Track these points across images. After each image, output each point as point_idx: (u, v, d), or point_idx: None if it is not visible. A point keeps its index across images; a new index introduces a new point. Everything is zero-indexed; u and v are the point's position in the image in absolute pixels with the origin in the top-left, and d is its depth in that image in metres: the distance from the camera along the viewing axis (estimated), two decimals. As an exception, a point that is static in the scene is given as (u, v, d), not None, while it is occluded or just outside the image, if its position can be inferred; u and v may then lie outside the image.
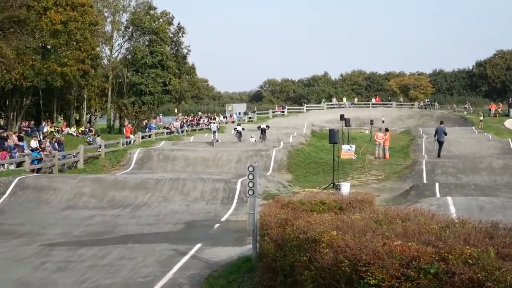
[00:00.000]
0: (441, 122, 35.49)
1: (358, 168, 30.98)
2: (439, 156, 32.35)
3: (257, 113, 76.94)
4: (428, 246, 5.79)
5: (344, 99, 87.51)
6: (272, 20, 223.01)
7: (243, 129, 46.49)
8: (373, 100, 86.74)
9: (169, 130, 50.53)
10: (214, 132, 43.94)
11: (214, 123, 49.82)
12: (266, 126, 45.09)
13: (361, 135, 52.76)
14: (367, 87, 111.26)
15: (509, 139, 40.40)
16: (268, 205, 10.79)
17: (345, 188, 20.35)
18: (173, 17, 61.14)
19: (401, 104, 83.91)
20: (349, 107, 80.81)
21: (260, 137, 42.32)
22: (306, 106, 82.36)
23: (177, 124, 54.34)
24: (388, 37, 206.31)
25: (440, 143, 32.76)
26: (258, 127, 44.29)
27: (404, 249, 5.70)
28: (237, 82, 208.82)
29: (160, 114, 69.63)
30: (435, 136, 33.38)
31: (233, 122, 67.75)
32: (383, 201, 20.31)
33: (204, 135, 49.84)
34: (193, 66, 69.18)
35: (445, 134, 32.94)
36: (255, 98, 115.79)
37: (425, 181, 25.71)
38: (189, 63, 67.20)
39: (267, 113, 77.46)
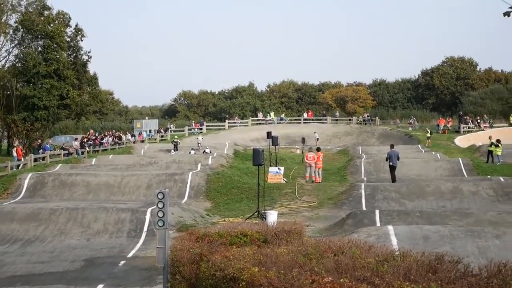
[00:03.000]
0: (392, 146, 35.42)
1: (288, 193, 31.09)
2: (394, 181, 32.31)
3: (172, 131, 76.61)
4: (362, 283, 5.85)
5: (272, 113, 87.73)
6: (190, 24, 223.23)
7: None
8: (305, 115, 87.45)
9: (67, 152, 49.60)
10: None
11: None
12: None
13: (292, 155, 53.09)
14: (298, 99, 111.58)
15: (460, 159, 41.27)
16: (180, 238, 10.69)
17: (272, 217, 20.38)
18: (70, 18, 60.19)
19: (337, 119, 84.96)
20: (277, 123, 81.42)
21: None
22: (228, 122, 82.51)
23: (76, 144, 53.44)
24: (322, 43, 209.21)
25: (393, 168, 32.96)
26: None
27: (335, 286, 5.73)
28: (147, 95, 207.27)
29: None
30: (387, 160, 33.46)
31: (142, 141, 67.17)
32: (315, 231, 20.47)
33: (109, 156, 49.21)
34: (95, 75, 68.15)
35: (398, 159, 33.09)
36: (168, 113, 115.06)
37: (364, 207, 26.00)
38: (90, 72, 66.26)
39: (183, 131, 77.18)
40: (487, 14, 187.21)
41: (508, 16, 6.70)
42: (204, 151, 51.48)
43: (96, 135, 64.40)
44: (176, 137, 61.07)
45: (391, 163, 32.91)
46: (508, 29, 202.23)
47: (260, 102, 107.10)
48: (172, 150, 54.01)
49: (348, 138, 73.27)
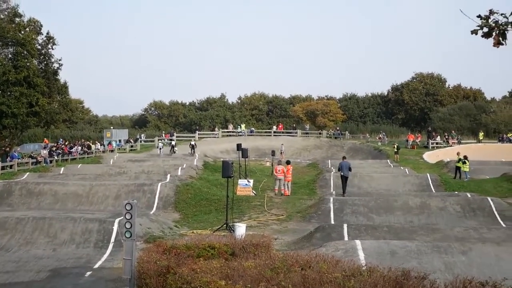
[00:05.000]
0: (344, 158, 36.81)
1: (257, 206, 31.09)
2: (345, 192, 33.04)
3: (142, 141, 76.39)
4: (328, 298, 5.84)
5: (242, 125, 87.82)
6: (161, 35, 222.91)
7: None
8: (275, 128, 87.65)
9: (35, 160, 49.16)
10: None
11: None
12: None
13: (261, 167, 53.12)
14: (269, 112, 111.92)
15: (428, 175, 41.55)
16: (148, 250, 10.63)
17: (240, 229, 20.34)
18: (41, 25, 59.73)
19: (307, 133, 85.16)
20: (247, 135, 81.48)
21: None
22: (198, 134, 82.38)
23: (45, 152, 52.98)
24: (294, 57, 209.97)
25: (345, 179, 33.52)
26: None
27: (301, 301, 5.73)
28: (118, 104, 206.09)
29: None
30: (339, 171, 34.12)
31: (112, 151, 66.82)
32: (284, 244, 20.47)
33: (78, 165, 48.87)
34: (66, 84, 67.62)
35: (350, 169, 33.78)
36: (138, 123, 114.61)
37: (332, 221, 26.07)
38: (61, 80, 65.75)
39: (153, 141, 76.93)
40: (457, 31, 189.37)
41: (476, 34, 6.77)
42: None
43: (61, 143, 63.87)
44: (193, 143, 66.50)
45: (342, 174, 33.61)
46: (477, 46, 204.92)
47: (230, 114, 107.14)
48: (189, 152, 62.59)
49: (317, 152, 73.50)
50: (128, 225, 10.84)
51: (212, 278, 7.13)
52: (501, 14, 6.72)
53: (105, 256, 19.26)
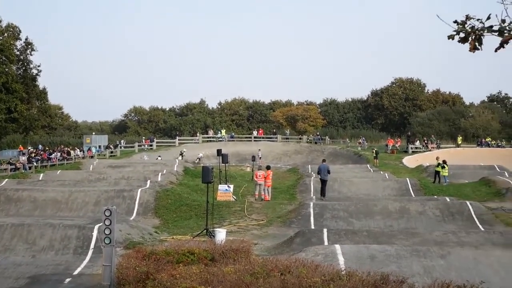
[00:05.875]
0: (323, 160, 37.33)
1: (237, 211, 31.03)
2: (324, 196, 33.26)
3: (122, 147, 76.21)
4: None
5: (223, 131, 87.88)
6: (141, 40, 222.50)
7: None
8: (256, 133, 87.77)
9: (13, 166, 48.86)
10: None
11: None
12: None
13: (242, 173, 53.19)
14: (249, 117, 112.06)
15: (407, 179, 41.76)
16: (127, 256, 10.59)
17: (220, 235, 20.32)
18: (20, 31, 59.48)
19: (288, 138, 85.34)
20: (228, 140, 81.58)
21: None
22: (179, 139, 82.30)
23: (24, 159, 52.69)
24: (274, 62, 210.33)
25: (324, 182, 33.72)
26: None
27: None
28: (97, 110, 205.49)
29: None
30: (318, 174, 34.35)
31: (91, 157, 66.59)
32: (264, 249, 20.45)
33: (57, 172, 48.62)
34: (45, 90, 67.55)
35: (329, 172, 33.98)
36: (118, 129, 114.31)
37: (312, 226, 26.05)
38: (40, 86, 65.54)
39: (133, 147, 76.78)
40: (436, 36, 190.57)
41: (453, 39, 6.83)
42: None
43: (40, 149, 63.54)
44: (184, 150, 72.59)
45: (320, 177, 33.94)
46: (455, 51, 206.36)
47: (211, 120, 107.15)
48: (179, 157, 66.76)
49: (298, 157, 73.68)
50: (107, 231, 10.80)
51: (192, 284, 7.12)
52: (477, 20, 6.78)
53: (85, 262, 19.13)
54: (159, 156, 67.40)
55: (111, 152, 72.47)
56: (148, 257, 10.04)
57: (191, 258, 10.11)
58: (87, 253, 20.23)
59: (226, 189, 34.93)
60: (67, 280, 16.63)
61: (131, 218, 28.72)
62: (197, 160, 67.66)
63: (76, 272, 17.71)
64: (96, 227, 21.93)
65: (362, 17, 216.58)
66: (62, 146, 70.92)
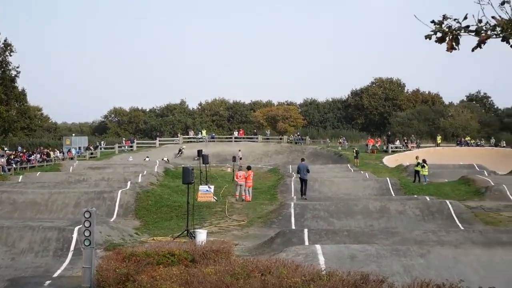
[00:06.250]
0: (302, 160, 37.79)
1: (218, 212, 31.01)
2: (304, 194, 33.47)
3: (102, 148, 76.00)
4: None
5: (203, 131, 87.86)
6: (121, 41, 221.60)
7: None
8: (236, 134, 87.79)
9: (-8, 169, 48.58)
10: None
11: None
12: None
13: (223, 173, 53.15)
14: (230, 118, 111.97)
15: (387, 179, 41.98)
16: (107, 258, 10.55)
17: (201, 236, 20.29)
18: (-2, 32, 59.14)
19: (268, 138, 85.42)
20: (208, 141, 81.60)
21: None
22: (159, 140, 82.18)
23: (3, 161, 52.34)
24: (254, 62, 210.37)
25: (304, 181, 33.96)
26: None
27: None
28: (77, 112, 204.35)
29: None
30: (297, 173, 34.55)
31: (71, 158, 66.33)
32: (244, 250, 20.45)
33: (36, 173, 48.35)
34: (24, 91, 67.17)
35: (308, 171, 34.15)
36: (98, 130, 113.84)
37: (293, 226, 26.06)
38: (19, 87, 65.15)
39: (113, 148, 76.57)
40: (414, 36, 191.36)
41: (430, 39, 6.88)
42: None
43: (19, 151, 63.16)
44: (184, 146, 75.15)
45: (300, 176, 34.31)
46: (433, 51, 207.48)
47: (191, 120, 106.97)
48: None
49: (278, 157, 73.80)
50: (87, 233, 10.76)
51: (172, 285, 7.12)
52: (454, 20, 6.82)
53: (65, 264, 19.03)
54: (147, 157, 67.37)
55: (91, 153, 72.24)
56: (128, 259, 10.00)
57: (172, 259, 10.08)
58: (67, 255, 20.12)
59: (207, 190, 34.89)
60: (47, 282, 16.54)
61: (111, 220, 28.59)
62: (179, 153, 71.45)
63: (56, 275, 17.62)
64: (76, 229, 21.82)
65: (340, 17, 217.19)
66: (42, 148, 70.51)
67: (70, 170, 53.56)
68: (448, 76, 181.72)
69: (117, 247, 17.82)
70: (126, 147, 78.92)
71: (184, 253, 10.42)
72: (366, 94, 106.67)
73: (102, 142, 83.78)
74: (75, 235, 21.35)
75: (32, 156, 59.81)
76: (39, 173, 48.70)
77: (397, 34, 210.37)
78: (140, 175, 44.66)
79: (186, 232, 23.40)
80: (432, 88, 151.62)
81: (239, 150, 68.06)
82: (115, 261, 9.90)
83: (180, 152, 72.81)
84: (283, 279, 7.45)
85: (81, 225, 20.95)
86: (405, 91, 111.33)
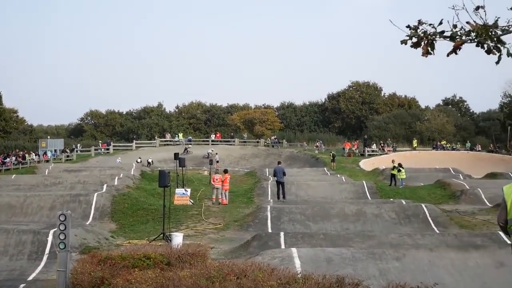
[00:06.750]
0: (279, 162, 37.98)
1: (194, 215, 30.96)
2: (284, 197, 33.57)
3: (78, 151, 75.71)
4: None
5: (180, 134, 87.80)
6: (96, 42, 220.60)
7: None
8: (213, 137, 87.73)
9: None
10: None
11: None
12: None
13: (199, 176, 53.09)
14: (207, 121, 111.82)
15: (364, 182, 42.19)
16: (82, 261, 10.50)
17: (177, 239, 20.28)
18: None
19: (245, 142, 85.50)
20: (185, 144, 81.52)
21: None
22: (136, 143, 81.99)
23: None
24: (231, 66, 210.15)
25: (281, 184, 34.21)
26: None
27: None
28: (53, 114, 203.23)
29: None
30: (274, 176, 34.70)
31: (47, 161, 65.98)
32: (220, 253, 20.44)
33: (12, 176, 48.03)
34: (-1, 93, 66.81)
35: (284, 174, 34.39)
36: (75, 133, 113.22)
37: (269, 230, 26.07)
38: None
39: (89, 151, 76.26)
40: (391, 40, 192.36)
41: (405, 44, 6.92)
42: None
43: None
44: (190, 145, 78.43)
45: (276, 179, 34.51)
46: (410, 55, 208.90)
47: (168, 123, 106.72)
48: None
49: (255, 160, 73.89)
50: (62, 236, 10.70)
51: (147, 289, 7.09)
52: (430, 25, 6.86)
53: (39, 268, 18.92)
54: (139, 158, 68.53)
55: (67, 156, 71.90)
56: (103, 262, 9.95)
57: (147, 262, 10.05)
58: (42, 259, 20.00)
59: (183, 193, 34.86)
60: (21, 286, 16.40)
61: (87, 223, 28.46)
62: (185, 152, 73.05)
63: (30, 278, 17.50)
64: (51, 232, 21.68)
65: (317, 20, 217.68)
66: (17, 150, 70.14)
67: (46, 173, 53.29)
68: (424, 80, 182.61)
69: (92, 250, 17.70)
70: (103, 149, 78.66)
71: (159, 257, 10.39)
72: (343, 98, 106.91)
73: (78, 145, 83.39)
74: (50, 238, 21.22)
75: (8, 159, 59.44)
76: (14, 175, 48.42)
77: (374, 38, 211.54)
78: (117, 178, 44.53)
79: (162, 235, 23.34)
80: (408, 92, 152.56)
81: (216, 153, 68.25)
82: (90, 264, 9.84)
83: (185, 151, 73.57)
84: (259, 282, 7.46)
85: (56, 228, 20.91)
86: (382, 95, 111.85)
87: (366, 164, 62.95)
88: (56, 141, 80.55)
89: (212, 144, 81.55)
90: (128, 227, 28.53)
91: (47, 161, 66.37)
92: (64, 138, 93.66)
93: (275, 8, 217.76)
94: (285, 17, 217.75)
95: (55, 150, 74.58)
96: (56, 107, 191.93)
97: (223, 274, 8.38)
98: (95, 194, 33.03)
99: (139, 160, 66.35)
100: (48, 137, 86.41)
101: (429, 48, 6.91)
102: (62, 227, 10.71)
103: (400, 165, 42.80)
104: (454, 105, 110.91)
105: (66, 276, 10.33)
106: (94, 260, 10.20)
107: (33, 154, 68.17)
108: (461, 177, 49.70)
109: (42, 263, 19.49)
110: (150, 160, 67.39)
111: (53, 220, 26.92)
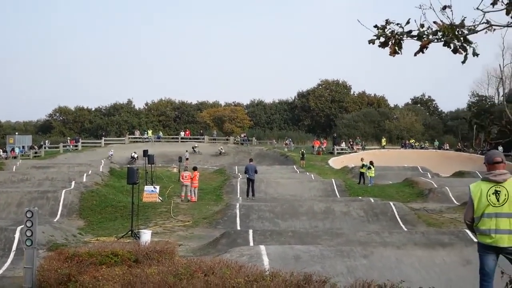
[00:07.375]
0: (251, 160, 38.41)
1: (163, 212, 30.91)
2: (253, 195, 33.68)
3: (47, 147, 75.14)
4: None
5: (149, 131, 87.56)
6: (67, 38, 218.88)
7: None
8: (183, 134, 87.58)
9: None
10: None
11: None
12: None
13: (169, 174, 52.96)
14: (176, 118, 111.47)
15: (333, 180, 42.41)
16: (49, 258, 10.44)
17: (145, 236, 20.19)
18: None
19: (215, 139, 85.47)
20: (154, 141, 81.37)
21: None
22: (105, 140, 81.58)
23: None
24: (201, 63, 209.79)
25: (252, 181, 34.45)
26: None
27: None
28: (21, 110, 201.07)
29: None
30: (245, 173, 34.86)
31: (15, 157, 65.41)
32: (189, 251, 20.40)
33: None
34: (-34, 88, 66.03)
35: (256, 172, 34.62)
36: (43, 129, 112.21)
37: (238, 227, 26.11)
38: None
39: (57, 147, 75.71)
40: (360, 39, 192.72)
41: (373, 43, 6.97)
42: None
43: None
44: (196, 145, 78.45)
45: (247, 176, 34.81)
46: (378, 54, 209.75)
47: (137, 120, 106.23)
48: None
49: (225, 158, 73.92)
50: (28, 233, 10.62)
51: (114, 286, 7.08)
52: (397, 24, 6.91)
53: (6, 265, 18.74)
54: (134, 152, 69.72)
55: (35, 152, 71.29)
56: (70, 259, 9.90)
57: (115, 259, 10.01)
58: (9, 256, 19.82)
59: (152, 190, 34.78)
60: (-12, 283, 16.30)
61: (55, 220, 28.29)
62: (193, 150, 75.14)
63: (-3, 275, 17.37)
64: (18, 229, 21.51)
65: (286, 18, 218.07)
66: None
67: (13, 169, 52.83)
68: (393, 79, 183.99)
69: (59, 247, 17.59)
70: (71, 146, 78.13)
71: (127, 254, 10.35)
72: (313, 96, 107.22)
73: (47, 141, 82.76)
74: (17, 235, 21.05)
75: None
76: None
77: (342, 37, 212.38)
78: (85, 174, 44.23)
79: (130, 232, 23.26)
80: (377, 90, 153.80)
81: (187, 151, 68.12)
82: (57, 261, 9.79)
83: (193, 150, 74.80)
84: (226, 279, 7.48)
85: (23, 225, 20.74)
86: (351, 93, 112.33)
87: (335, 162, 63.23)
88: (24, 138, 79.89)
89: (181, 141, 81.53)
90: (96, 224, 28.41)
91: (15, 157, 65.81)
92: (32, 134, 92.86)
93: (242, 5, 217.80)
94: (253, 14, 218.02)
95: (23, 147, 74.00)
96: (24, 103, 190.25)
97: (191, 271, 8.38)
98: (63, 191, 32.82)
99: (110, 153, 67.97)
100: (16, 133, 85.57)
101: (397, 48, 6.96)
102: (29, 224, 10.63)
103: (371, 163, 43.05)
104: (423, 104, 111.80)
105: (33, 273, 10.26)
106: (61, 257, 10.14)
107: (1, 150, 67.55)
108: (429, 175, 50.19)
109: (9, 260, 19.32)
110: (135, 155, 67.69)
111: (21, 217, 26.66)
